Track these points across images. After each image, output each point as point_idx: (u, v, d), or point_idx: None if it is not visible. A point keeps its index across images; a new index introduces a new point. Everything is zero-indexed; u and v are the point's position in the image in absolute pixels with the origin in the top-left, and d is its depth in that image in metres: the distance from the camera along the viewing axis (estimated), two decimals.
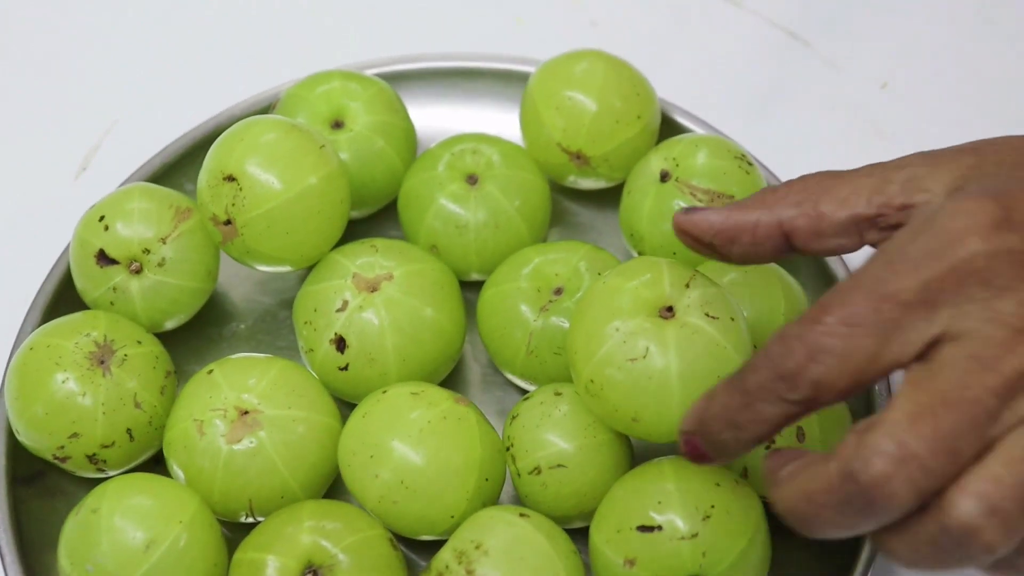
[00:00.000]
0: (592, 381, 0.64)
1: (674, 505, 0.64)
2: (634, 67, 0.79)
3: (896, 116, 0.86)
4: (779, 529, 0.60)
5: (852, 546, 0.68)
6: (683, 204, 0.73)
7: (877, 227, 0.58)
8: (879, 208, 0.58)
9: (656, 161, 0.75)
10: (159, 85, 0.89)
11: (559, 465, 0.68)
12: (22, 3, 0.93)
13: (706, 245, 0.61)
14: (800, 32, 0.89)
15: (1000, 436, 0.51)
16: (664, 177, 0.74)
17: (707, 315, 0.63)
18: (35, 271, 0.78)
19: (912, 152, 0.59)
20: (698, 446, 0.57)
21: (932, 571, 0.53)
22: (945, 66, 0.88)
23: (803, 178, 0.60)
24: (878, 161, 0.59)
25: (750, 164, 0.75)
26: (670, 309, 0.64)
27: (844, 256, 0.76)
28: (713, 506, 0.64)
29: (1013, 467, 0.50)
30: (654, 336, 0.63)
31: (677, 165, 0.74)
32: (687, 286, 0.64)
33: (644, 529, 0.64)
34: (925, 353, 0.52)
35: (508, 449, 0.69)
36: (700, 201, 0.73)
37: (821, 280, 0.77)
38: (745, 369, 0.55)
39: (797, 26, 0.89)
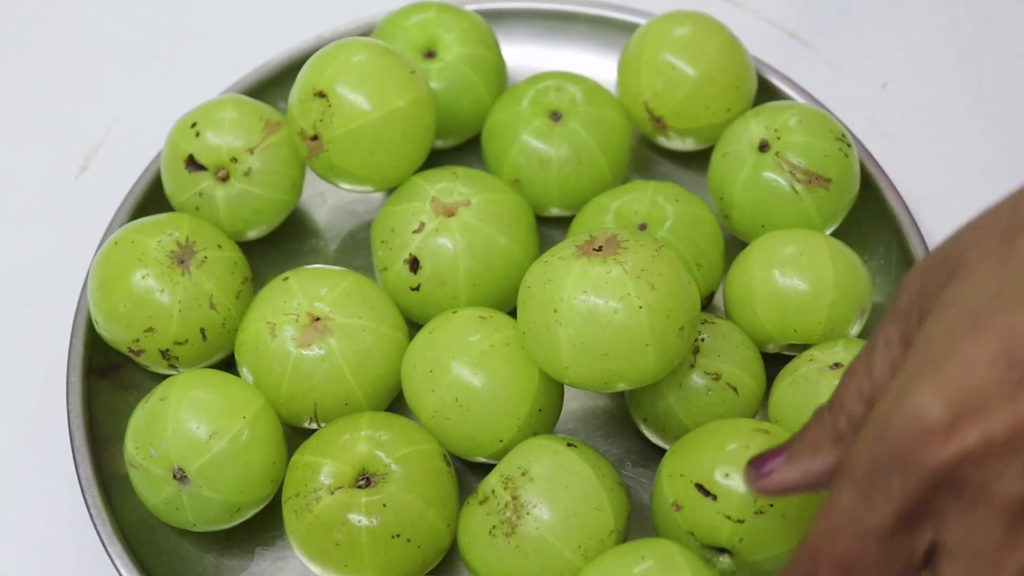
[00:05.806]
0: None
1: (739, 482, 0.63)
2: (748, 55, 0.78)
3: (896, 116, 0.85)
4: None
5: None
6: (779, 179, 0.72)
7: None
8: None
9: (756, 127, 0.74)
10: (159, 84, 0.88)
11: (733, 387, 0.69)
12: (23, 3, 0.92)
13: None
14: (800, 32, 0.88)
15: None
16: (763, 147, 0.74)
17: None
18: (36, 270, 0.80)
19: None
20: None
21: None
22: (945, 66, 0.87)
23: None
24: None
25: (848, 146, 0.74)
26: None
27: (921, 230, 0.76)
28: (772, 505, 0.63)
29: None
30: None
31: (778, 137, 0.73)
32: None
33: (701, 489, 0.64)
34: (927, 562, 0.51)
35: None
36: (798, 180, 0.72)
37: (900, 254, 0.76)
38: None
39: (797, 26, 0.89)
